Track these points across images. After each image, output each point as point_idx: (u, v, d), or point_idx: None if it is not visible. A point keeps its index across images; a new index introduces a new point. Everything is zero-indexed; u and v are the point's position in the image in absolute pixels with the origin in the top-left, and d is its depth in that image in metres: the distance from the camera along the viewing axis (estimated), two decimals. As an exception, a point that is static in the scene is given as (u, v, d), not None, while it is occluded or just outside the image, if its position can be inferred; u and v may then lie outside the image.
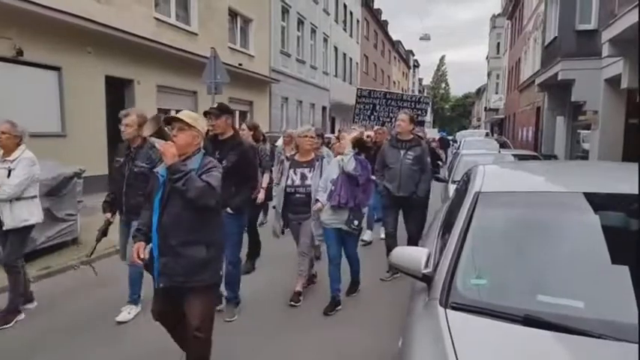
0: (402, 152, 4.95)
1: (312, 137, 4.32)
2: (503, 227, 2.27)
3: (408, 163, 4.88)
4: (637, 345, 1.39)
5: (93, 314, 4.00)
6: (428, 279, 2.05)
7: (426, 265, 2.11)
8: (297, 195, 4.24)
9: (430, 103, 10.37)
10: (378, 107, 7.83)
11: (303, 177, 4.25)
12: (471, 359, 1.48)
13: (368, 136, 6.31)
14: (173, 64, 11.98)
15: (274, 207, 4.70)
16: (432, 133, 24.09)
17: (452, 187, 5.73)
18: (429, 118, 73.03)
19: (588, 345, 1.52)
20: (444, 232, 2.73)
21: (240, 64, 15.25)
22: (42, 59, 8.49)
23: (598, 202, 2.27)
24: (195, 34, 13.21)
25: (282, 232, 4.51)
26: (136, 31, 10.34)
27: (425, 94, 12.22)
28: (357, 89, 8.19)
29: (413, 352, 1.66)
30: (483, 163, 3.35)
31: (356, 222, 4.06)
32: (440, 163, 7.36)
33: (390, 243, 5.01)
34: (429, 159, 5.06)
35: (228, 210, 3.72)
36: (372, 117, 7.82)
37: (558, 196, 2.46)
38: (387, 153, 5.10)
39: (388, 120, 7.60)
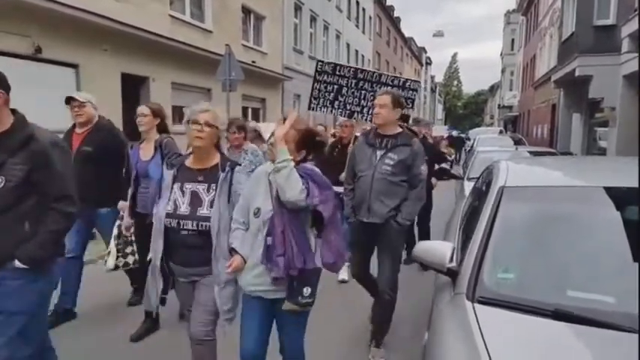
0: (379, 154, 3.27)
1: (207, 125, 2.39)
2: (529, 221, 2.25)
3: (385, 170, 3.22)
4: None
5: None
6: (453, 273, 2.04)
7: (451, 260, 2.10)
8: (184, 232, 2.37)
9: (418, 90, 5.84)
10: (345, 90, 5.20)
11: (195, 199, 2.38)
12: (502, 352, 1.48)
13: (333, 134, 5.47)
14: (187, 61, 12.05)
15: (150, 259, 2.57)
16: (438, 131, 23.84)
17: (467, 185, 5.70)
18: (440, 115, 72.99)
19: (620, 339, 1.51)
20: (466, 227, 2.72)
21: (253, 62, 15.30)
22: (60, 56, 8.60)
23: (621, 196, 2.25)
24: (210, 32, 13.27)
25: (162, 303, 2.60)
26: (152, 28, 10.42)
27: (414, 78, 6.25)
28: (317, 62, 5.44)
29: (442, 346, 1.66)
30: (501, 160, 3.33)
31: (307, 290, 2.20)
32: (447, 166, 6.00)
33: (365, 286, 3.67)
34: (424, 167, 3.32)
35: (16, 264, 2.12)
36: (337, 104, 5.26)
37: (583, 191, 2.44)
38: (357, 154, 3.46)
39: (358, 109, 5.15)
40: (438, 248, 2.17)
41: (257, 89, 16.18)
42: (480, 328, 1.58)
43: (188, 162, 2.51)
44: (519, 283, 1.89)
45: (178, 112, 12.51)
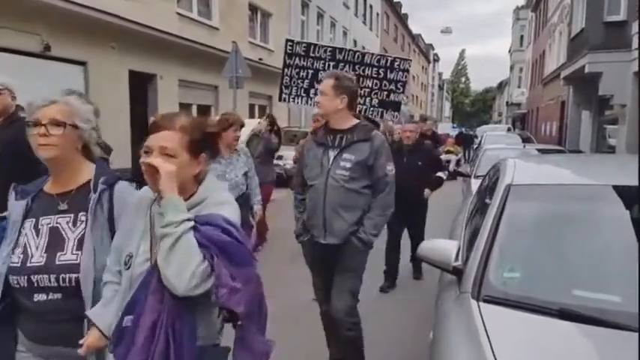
0: (332, 155, 2.64)
1: (54, 124, 1.56)
2: (535, 220, 2.23)
3: (340, 176, 2.60)
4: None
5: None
6: (458, 272, 2.03)
7: (456, 258, 2.09)
8: (39, 295, 1.56)
9: (409, 70, 4.81)
10: (322, 75, 4.11)
11: (55, 239, 1.60)
12: (507, 351, 1.47)
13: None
14: (195, 58, 12.09)
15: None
16: (444, 129, 23.57)
17: (474, 182, 5.67)
18: (447, 112, 72.64)
19: (627, 339, 1.49)
20: (472, 226, 2.70)
21: (260, 59, 15.31)
22: (69, 54, 8.66)
23: (630, 194, 2.22)
24: (217, 29, 13.29)
25: None
26: (159, 26, 10.46)
27: (404, 57, 5.02)
28: (286, 42, 4.50)
29: (447, 346, 1.65)
30: (508, 158, 3.30)
31: None
32: (443, 175, 5.04)
33: (326, 324, 2.95)
34: (390, 166, 2.68)
35: None
36: (313, 92, 4.28)
37: (591, 189, 2.41)
38: (306, 157, 2.82)
39: None
40: (444, 246, 2.16)
41: (264, 86, 16.19)
42: (485, 327, 1.57)
43: (47, 186, 1.68)
44: (525, 282, 1.88)
45: (185, 110, 12.57)
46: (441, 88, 68.92)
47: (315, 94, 4.17)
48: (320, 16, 21.82)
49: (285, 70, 4.48)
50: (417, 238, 4.84)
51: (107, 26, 9.13)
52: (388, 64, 4.36)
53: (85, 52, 8.95)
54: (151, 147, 1.38)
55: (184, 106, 12.44)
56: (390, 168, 2.68)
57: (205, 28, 12.87)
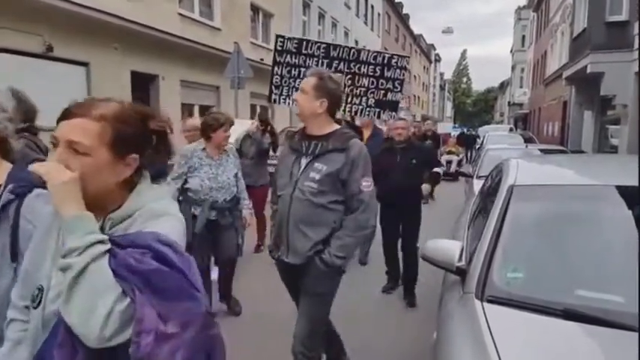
0: (303, 163, 2.34)
1: None
2: (538, 220, 2.24)
3: (307, 187, 2.28)
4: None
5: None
6: (462, 272, 2.04)
7: (460, 259, 2.09)
8: None
9: (407, 68, 4.54)
10: (307, 73, 3.68)
11: None
12: (511, 351, 1.47)
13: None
14: (196, 59, 12.10)
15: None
16: (444, 129, 23.33)
17: (477, 183, 5.66)
18: (449, 112, 72.57)
19: (630, 339, 1.49)
20: (475, 226, 2.70)
21: (261, 59, 15.32)
22: (71, 55, 8.68)
23: (632, 195, 2.22)
24: (218, 30, 13.30)
25: None
26: (161, 27, 10.48)
27: (403, 54, 4.62)
28: (277, 38, 4.15)
29: (451, 346, 1.66)
30: (511, 158, 3.30)
31: None
32: (440, 170, 4.73)
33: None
34: (366, 181, 2.31)
35: None
36: None
37: (593, 189, 2.41)
38: (279, 164, 2.59)
39: None
40: (447, 247, 2.16)
41: (265, 87, 16.05)
42: (489, 328, 1.58)
43: None
44: (529, 283, 1.88)
45: (187, 110, 12.59)
46: (442, 88, 68.86)
47: None
48: (321, 16, 21.82)
49: (275, 68, 4.12)
50: (408, 252, 4.34)
51: (109, 27, 9.15)
52: (385, 61, 4.11)
53: (87, 53, 8.97)
54: (57, 138, 1.04)
55: (186, 107, 12.47)
56: (367, 184, 2.29)
57: (207, 29, 12.88)
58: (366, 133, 5.41)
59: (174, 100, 11.65)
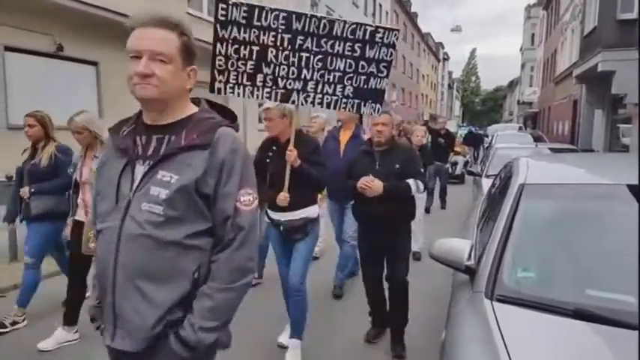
0: (139, 172, 1.40)
1: None
2: (549, 219, 2.22)
3: (147, 214, 1.35)
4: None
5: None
6: (471, 271, 2.02)
7: (469, 258, 2.08)
8: None
9: (396, 45, 3.01)
10: (274, 54, 2.94)
11: None
12: (521, 350, 1.46)
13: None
14: (204, 58, 12.08)
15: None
16: (449, 127, 22.91)
17: (485, 182, 5.63)
18: (457, 111, 72.13)
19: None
20: (485, 225, 2.68)
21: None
22: (81, 54, 8.75)
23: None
24: (226, 29, 13.35)
25: None
26: (170, 26, 10.54)
27: (390, 26, 3.01)
28: (217, 3, 2.94)
29: (460, 345, 1.65)
30: (521, 157, 3.27)
31: None
32: (414, 184, 3.26)
33: None
34: (247, 196, 1.43)
35: None
36: (261, 79, 3.00)
37: (604, 188, 2.39)
38: (98, 179, 1.64)
39: (299, 86, 3.03)
40: (456, 246, 2.15)
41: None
42: (498, 327, 1.57)
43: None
44: (539, 282, 1.86)
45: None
46: (450, 87, 68.50)
47: (265, 84, 2.95)
48: (329, 15, 21.81)
49: (218, 46, 2.96)
50: (396, 283, 3.32)
51: (119, 26, 9.20)
52: (367, 36, 2.92)
53: (97, 53, 9.05)
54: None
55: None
56: (248, 199, 1.43)
57: (215, 28, 12.93)
58: (346, 134, 4.46)
59: (182, 99, 11.70)
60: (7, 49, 7.31)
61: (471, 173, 6.64)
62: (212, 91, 3.14)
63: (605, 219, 2.15)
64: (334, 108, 3.16)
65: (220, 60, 3.04)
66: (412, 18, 40.13)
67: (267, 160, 3.15)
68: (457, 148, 14.02)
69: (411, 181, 3.22)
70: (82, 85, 9.02)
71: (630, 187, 2.24)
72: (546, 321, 1.60)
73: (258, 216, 1.50)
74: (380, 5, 30.07)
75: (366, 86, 3.10)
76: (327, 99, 3.09)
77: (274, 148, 3.16)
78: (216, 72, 3.08)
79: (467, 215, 4.02)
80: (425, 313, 3.87)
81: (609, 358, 1.49)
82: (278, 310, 3.51)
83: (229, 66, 3.03)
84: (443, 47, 60.26)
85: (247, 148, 1.51)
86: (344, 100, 3.12)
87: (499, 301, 1.73)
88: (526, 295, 1.73)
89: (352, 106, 3.14)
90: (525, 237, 2.07)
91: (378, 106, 3.18)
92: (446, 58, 63.87)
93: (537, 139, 13.12)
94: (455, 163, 13.09)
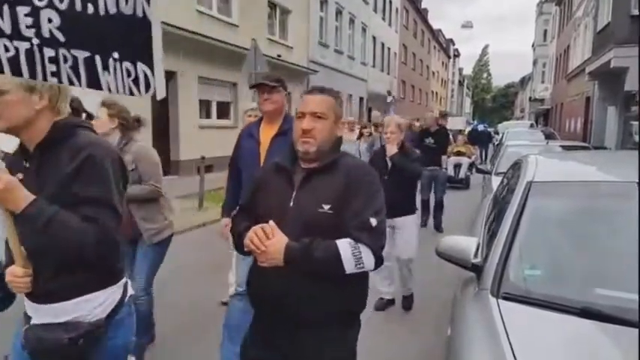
0: None
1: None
2: (556, 217, 2.20)
3: None
4: None
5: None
6: (477, 269, 2.02)
7: (475, 255, 2.07)
8: None
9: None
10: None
11: None
12: (526, 349, 1.46)
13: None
14: (214, 55, 12.19)
15: None
16: (455, 123, 22.19)
17: (495, 179, 5.60)
18: (468, 109, 71.47)
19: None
20: (492, 223, 2.67)
21: (279, 55, 15.36)
22: (92, 52, 8.86)
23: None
24: (236, 26, 13.38)
25: None
26: (179, 23, 10.58)
27: None
28: None
29: (465, 342, 1.65)
30: (530, 154, 3.24)
31: None
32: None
33: None
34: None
35: None
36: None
37: (613, 186, 2.37)
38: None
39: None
40: (463, 243, 2.14)
41: (282, 83, 16.23)
42: (504, 325, 1.56)
43: None
44: (545, 280, 1.86)
45: (205, 106, 12.71)
46: (461, 83, 68.00)
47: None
48: (339, 12, 21.75)
49: None
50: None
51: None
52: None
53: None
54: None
55: (204, 103, 12.59)
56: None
57: (225, 25, 12.97)
58: (271, 129, 2.78)
59: (192, 96, 11.77)
60: None
61: (480, 171, 6.60)
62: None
63: (613, 217, 2.13)
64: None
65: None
66: (423, 14, 39.85)
67: None
68: (461, 148, 12.26)
69: (344, 244, 1.48)
70: (93, 82, 9.12)
71: (640, 184, 2.21)
72: (552, 319, 1.59)
73: None
74: (390, 2, 29.91)
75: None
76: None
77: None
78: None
79: (475, 211, 4.00)
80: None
81: (617, 358, 1.48)
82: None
83: None
84: (453, 44, 59.77)
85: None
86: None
87: (505, 298, 1.72)
88: (532, 293, 1.72)
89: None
90: (532, 235, 2.06)
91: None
92: (457, 55, 63.36)
93: (548, 137, 12.95)
94: (457, 165, 11.65)
